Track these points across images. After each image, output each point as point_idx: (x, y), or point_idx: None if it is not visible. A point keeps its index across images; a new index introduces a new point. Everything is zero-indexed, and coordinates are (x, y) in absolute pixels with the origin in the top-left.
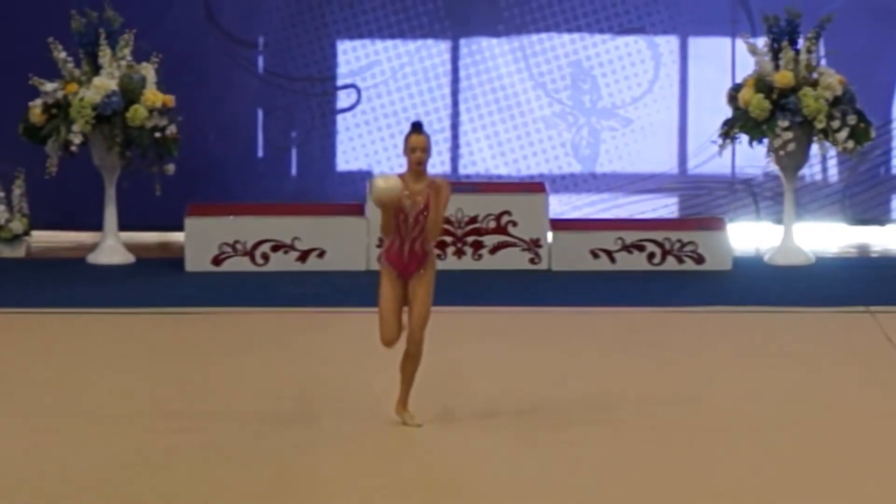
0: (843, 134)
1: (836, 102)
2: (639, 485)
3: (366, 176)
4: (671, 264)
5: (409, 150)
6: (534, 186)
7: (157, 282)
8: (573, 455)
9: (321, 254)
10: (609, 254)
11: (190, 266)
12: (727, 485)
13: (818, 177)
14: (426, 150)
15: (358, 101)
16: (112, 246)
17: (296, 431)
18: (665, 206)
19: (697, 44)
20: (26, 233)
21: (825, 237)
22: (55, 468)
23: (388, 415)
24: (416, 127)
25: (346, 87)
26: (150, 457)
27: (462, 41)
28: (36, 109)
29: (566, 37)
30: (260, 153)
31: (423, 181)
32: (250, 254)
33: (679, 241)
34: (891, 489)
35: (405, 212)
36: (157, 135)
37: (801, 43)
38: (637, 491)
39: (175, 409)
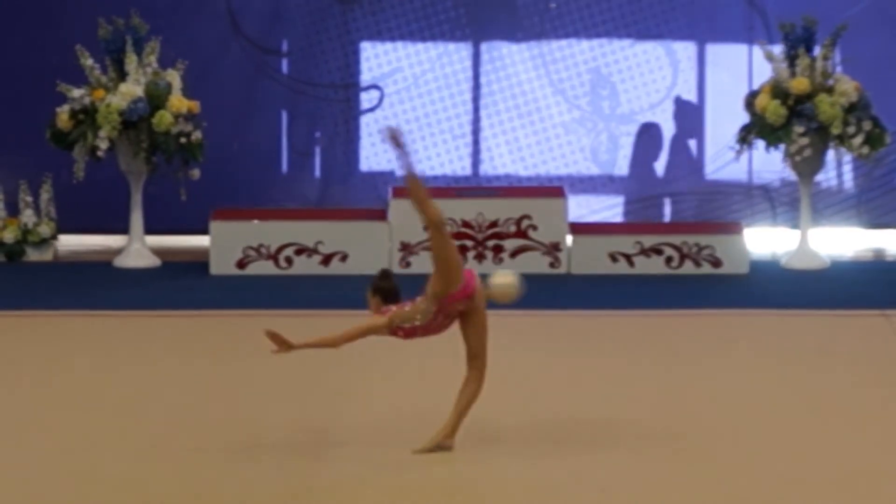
0: (859, 140)
1: (851, 109)
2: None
3: (388, 179)
4: (689, 268)
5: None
6: (553, 191)
7: (182, 285)
8: (607, 473)
9: (344, 257)
10: (628, 257)
11: (215, 269)
12: (746, 490)
13: (834, 182)
14: None
15: (380, 104)
16: (138, 250)
17: (320, 435)
18: (683, 211)
19: (715, 50)
20: (54, 237)
21: (841, 241)
22: (79, 468)
23: (411, 417)
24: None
25: (369, 87)
26: (174, 458)
27: (483, 47)
28: (63, 115)
29: (585, 43)
30: (284, 158)
31: None
32: (274, 257)
33: (697, 244)
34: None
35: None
36: (183, 140)
37: (817, 50)
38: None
39: (199, 411)
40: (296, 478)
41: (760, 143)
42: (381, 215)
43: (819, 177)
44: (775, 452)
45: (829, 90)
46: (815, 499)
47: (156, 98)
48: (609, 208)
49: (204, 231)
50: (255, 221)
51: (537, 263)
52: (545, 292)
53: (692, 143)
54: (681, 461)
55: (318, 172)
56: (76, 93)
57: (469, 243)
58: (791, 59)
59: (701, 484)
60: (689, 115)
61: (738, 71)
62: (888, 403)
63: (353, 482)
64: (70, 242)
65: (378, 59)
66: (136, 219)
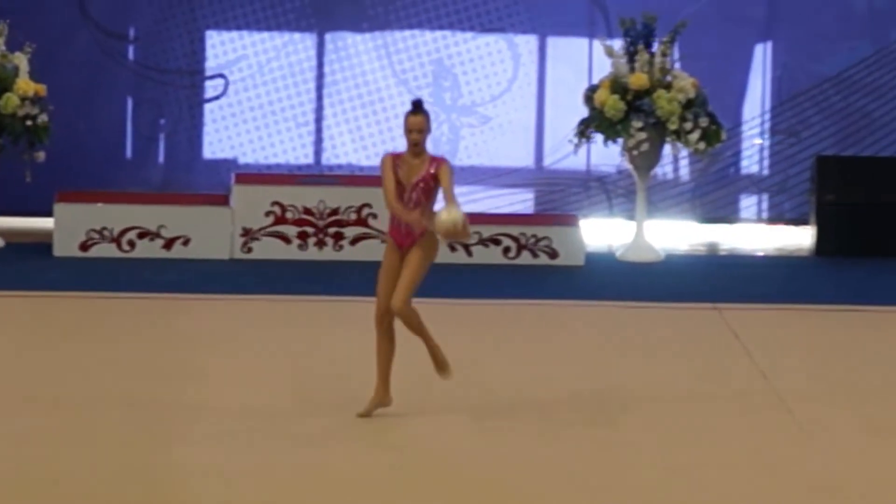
0: (695, 135)
1: (689, 105)
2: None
3: (231, 166)
4: (526, 258)
5: (406, 130)
6: None
7: (25, 266)
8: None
9: (186, 241)
10: (466, 247)
11: (58, 251)
12: (558, 476)
13: (670, 176)
14: (423, 131)
15: (225, 92)
16: None
17: (160, 413)
18: (521, 202)
19: (556, 44)
20: None
21: (675, 235)
22: None
23: (247, 396)
24: (417, 106)
25: (214, 76)
26: (10, 439)
27: (327, 37)
28: None
29: (429, 35)
30: (129, 143)
31: (421, 156)
32: (117, 240)
33: (534, 236)
34: (723, 475)
35: (402, 183)
36: (29, 123)
37: (656, 46)
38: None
39: (39, 391)
40: (140, 458)
41: (599, 137)
42: (223, 201)
43: (655, 170)
44: (604, 439)
45: (668, 86)
46: (638, 486)
47: (3, 80)
48: None
49: (48, 213)
50: (99, 204)
51: (376, 251)
52: None
53: (532, 136)
54: (512, 437)
55: (161, 158)
56: None
57: (310, 230)
58: (630, 54)
59: (538, 460)
60: (530, 108)
61: (579, 65)
62: (716, 394)
63: (204, 463)
64: None
65: (224, 46)
66: None
